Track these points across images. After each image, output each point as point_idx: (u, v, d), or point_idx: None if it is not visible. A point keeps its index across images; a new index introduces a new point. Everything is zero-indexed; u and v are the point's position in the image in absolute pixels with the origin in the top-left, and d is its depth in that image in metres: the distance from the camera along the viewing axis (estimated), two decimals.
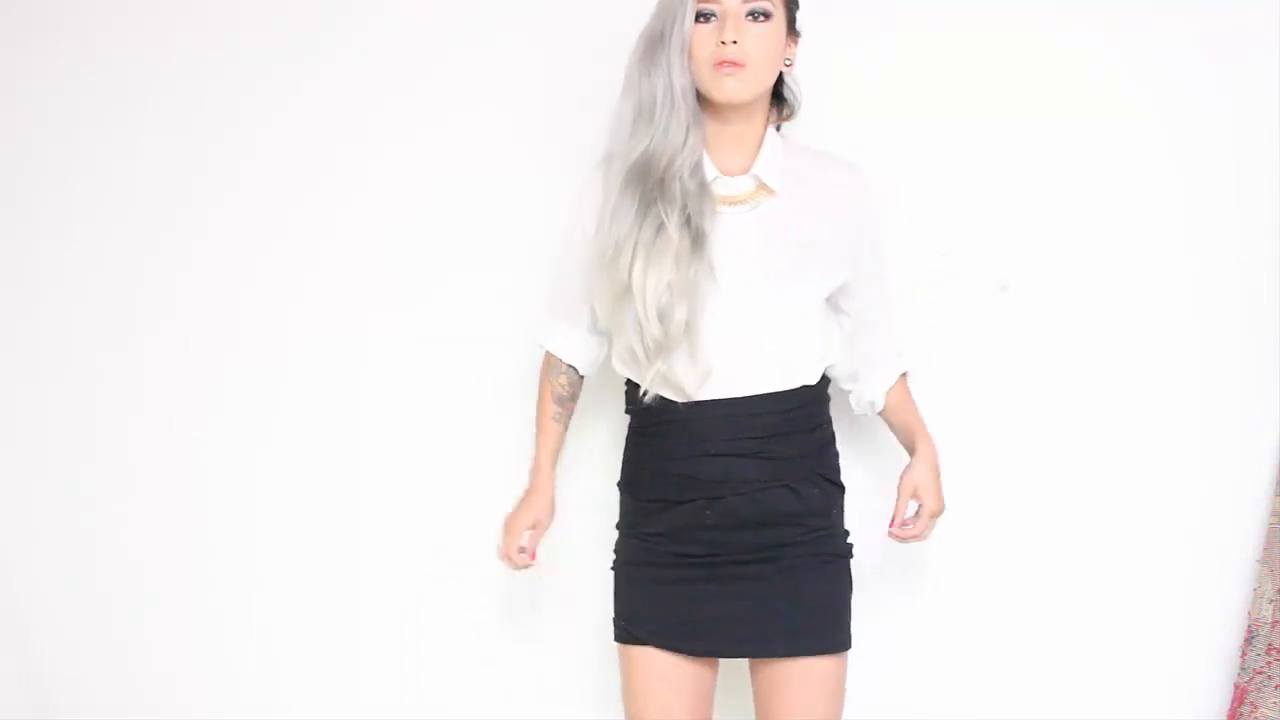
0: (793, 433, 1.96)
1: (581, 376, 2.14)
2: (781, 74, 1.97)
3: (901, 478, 2.03)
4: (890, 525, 2.02)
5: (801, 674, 1.97)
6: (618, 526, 2.07)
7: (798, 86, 2.02)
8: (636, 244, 1.89)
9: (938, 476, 2.04)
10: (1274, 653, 2.16)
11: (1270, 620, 2.16)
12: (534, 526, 2.09)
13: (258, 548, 2.57)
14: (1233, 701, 2.19)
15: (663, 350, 1.89)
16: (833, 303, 2.04)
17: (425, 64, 2.43)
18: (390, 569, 2.52)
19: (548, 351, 2.13)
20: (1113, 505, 2.28)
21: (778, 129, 2.02)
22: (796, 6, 1.96)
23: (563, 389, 2.13)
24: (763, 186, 1.96)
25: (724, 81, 1.88)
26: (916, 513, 2.03)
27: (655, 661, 1.98)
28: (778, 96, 2.02)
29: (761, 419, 1.94)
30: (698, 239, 1.89)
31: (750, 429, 1.94)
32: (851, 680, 2.24)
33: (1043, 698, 2.30)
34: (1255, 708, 2.15)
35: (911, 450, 2.07)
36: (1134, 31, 2.22)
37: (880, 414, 2.12)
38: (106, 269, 2.59)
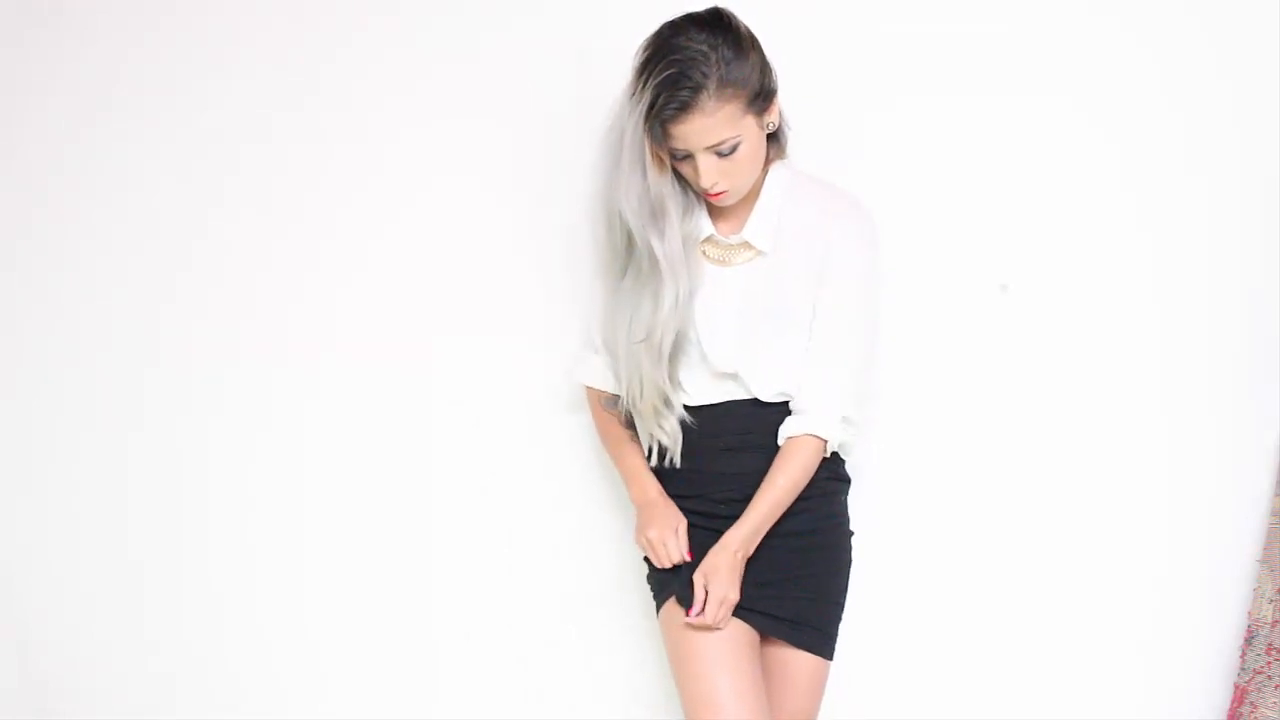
0: None
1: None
2: None
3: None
4: (687, 612, 1.94)
5: (800, 666, 2.02)
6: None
7: (787, 126, 2.00)
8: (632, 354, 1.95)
9: (732, 566, 1.92)
10: (1274, 653, 2.15)
11: (1270, 620, 2.16)
12: (677, 531, 1.98)
13: (258, 550, 2.57)
14: (1233, 701, 2.19)
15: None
16: None
17: (461, 78, 2.43)
18: (413, 573, 2.52)
19: (590, 390, 2.11)
20: (1113, 505, 2.28)
21: (782, 152, 2.01)
22: (764, 80, 1.86)
23: (624, 414, 2.07)
24: (752, 246, 1.97)
25: (717, 202, 1.92)
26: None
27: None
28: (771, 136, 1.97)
29: (766, 416, 1.98)
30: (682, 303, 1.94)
31: (756, 425, 1.98)
32: (853, 680, 2.25)
33: (1043, 698, 2.30)
34: (1255, 708, 2.15)
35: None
36: (1134, 32, 2.22)
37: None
38: (136, 273, 2.58)
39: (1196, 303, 2.24)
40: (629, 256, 1.94)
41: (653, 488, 2.03)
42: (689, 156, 1.86)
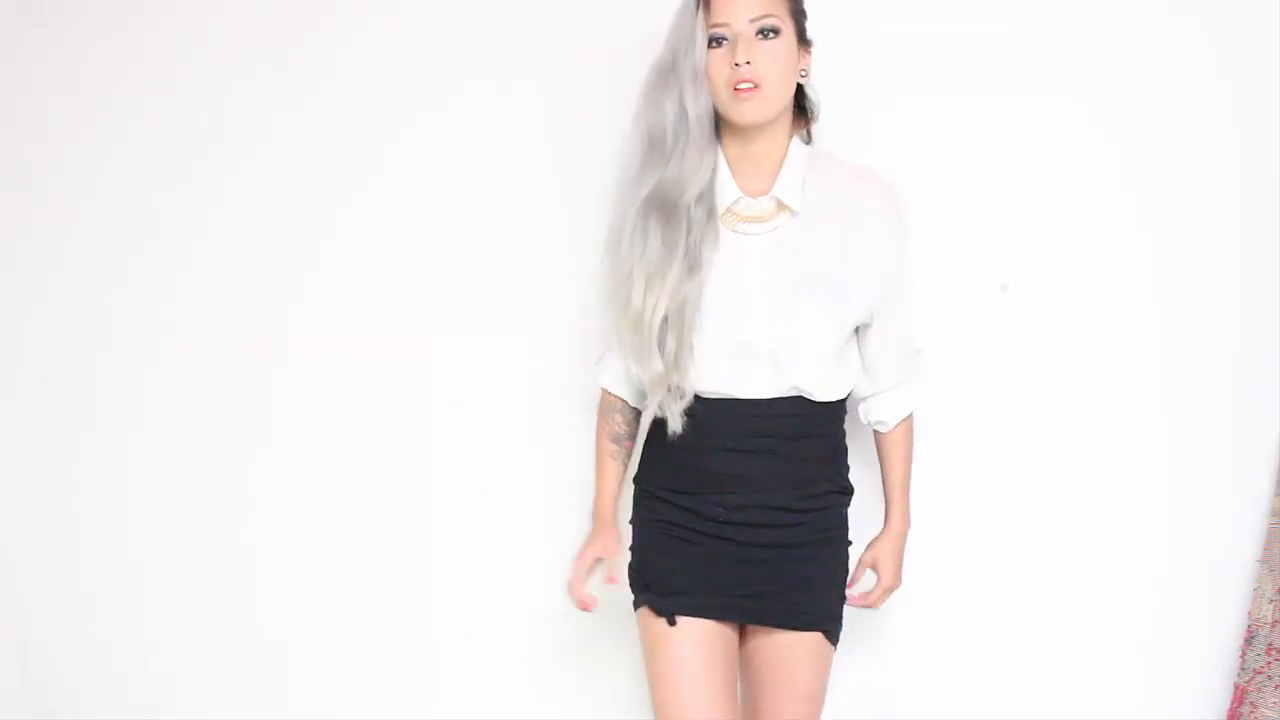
0: (805, 436, 1.97)
1: (636, 410, 2.09)
2: (801, 85, 1.96)
3: (866, 547, 2.08)
4: (847, 590, 2.05)
5: (803, 647, 2.00)
6: (634, 512, 2.07)
7: (817, 96, 2.00)
8: (643, 273, 1.91)
9: (899, 553, 2.09)
10: (1274, 653, 2.16)
11: (1270, 620, 2.16)
12: (602, 557, 2.04)
13: (258, 550, 2.57)
14: (1233, 701, 2.19)
15: (662, 382, 1.93)
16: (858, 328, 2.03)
17: (468, 70, 2.44)
18: (413, 573, 2.52)
19: (604, 393, 2.11)
20: (1113, 505, 2.28)
21: (807, 137, 2.01)
22: (804, 17, 1.95)
23: (619, 427, 2.10)
24: (784, 208, 1.95)
25: (743, 106, 1.89)
26: (875, 584, 2.08)
27: (685, 633, 1.96)
28: (800, 108, 1.99)
29: (776, 420, 1.95)
30: (694, 266, 1.90)
31: (764, 429, 1.95)
32: (855, 680, 2.24)
33: (1043, 697, 2.30)
34: (1255, 708, 2.15)
35: (885, 515, 2.11)
36: (1135, 32, 2.22)
37: (879, 440, 2.12)
38: (136, 273, 2.59)
39: (1196, 303, 2.24)
40: (663, 159, 1.91)
41: (608, 512, 2.09)
42: (726, 43, 1.88)
